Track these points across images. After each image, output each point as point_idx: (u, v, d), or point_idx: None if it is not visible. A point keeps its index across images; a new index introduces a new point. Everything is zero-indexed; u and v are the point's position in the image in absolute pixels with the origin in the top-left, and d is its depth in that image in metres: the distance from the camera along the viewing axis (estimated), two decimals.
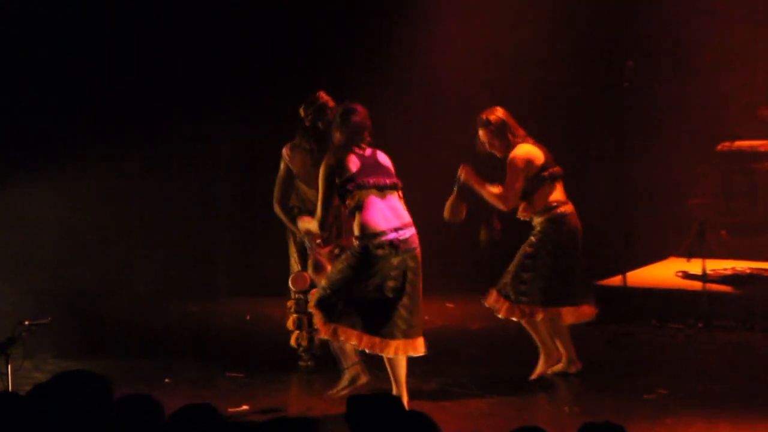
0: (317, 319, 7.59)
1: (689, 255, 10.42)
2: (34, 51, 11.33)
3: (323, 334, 7.59)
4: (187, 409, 4.35)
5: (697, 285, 9.85)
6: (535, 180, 8.25)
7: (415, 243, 7.56)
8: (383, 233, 7.45)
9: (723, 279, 10.18)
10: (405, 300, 7.51)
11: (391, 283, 7.49)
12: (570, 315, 8.33)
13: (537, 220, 8.31)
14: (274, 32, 12.00)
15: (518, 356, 8.89)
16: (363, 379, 7.73)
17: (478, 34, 11.96)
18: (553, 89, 12.00)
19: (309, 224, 7.97)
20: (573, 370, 8.49)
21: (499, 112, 8.32)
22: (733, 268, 10.49)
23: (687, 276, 10.30)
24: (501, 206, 8.24)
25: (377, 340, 7.50)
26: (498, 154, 8.35)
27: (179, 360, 9.09)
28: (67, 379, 4.54)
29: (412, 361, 7.84)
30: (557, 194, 8.29)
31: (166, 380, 8.49)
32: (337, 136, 7.64)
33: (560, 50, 11.86)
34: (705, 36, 11.36)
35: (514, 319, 8.34)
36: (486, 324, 10.09)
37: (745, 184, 10.02)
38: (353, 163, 7.53)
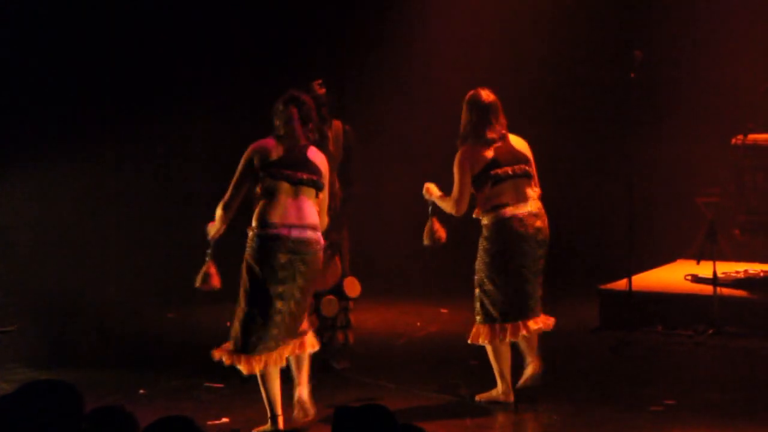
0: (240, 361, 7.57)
1: (699, 257, 10.44)
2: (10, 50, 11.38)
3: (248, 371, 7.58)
4: (162, 421, 4.35)
5: (707, 289, 9.86)
6: (479, 180, 8.12)
7: (312, 248, 7.52)
8: (274, 226, 7.47)
9: (735, 283, 10.20)
10: (293, 306, 7.50)
11: (279, 288, 7.46)
12: (532, 326, 8.17)
13: (483, 223, 8.20)
14: (257, 30, 12.02)
15: (513, 364, 8.89)
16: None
17: (479, 26, 12.00)
18: (556, 86, 12.05)
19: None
20: (531, 371, 8.30)
21: (485, 96, 8.20)
22: (746, 271, 10.51)
23: (696, 279, 10.32)
24: (452, 211, 8.14)
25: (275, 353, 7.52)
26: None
27: (155, 369, 9.10)
28: (35, 389, 4.52)
29: (403, 368, 7.85)
30: (506, 197, 8.12)
31: (141, 391, 8.50)
32: (276, 123, 7.66)
33: (564, 44, 11.90)
34: (716, 25, 11.40)
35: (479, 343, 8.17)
36: None
37: (759, 180, 10.04)
38: (276, 151, 7.57)
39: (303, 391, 7.67)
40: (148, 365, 9.24)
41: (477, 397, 8.26)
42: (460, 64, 11.80)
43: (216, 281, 7.87)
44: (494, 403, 8.14)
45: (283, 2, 12.23)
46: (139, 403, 7.86)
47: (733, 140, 10.11)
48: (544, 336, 8.96)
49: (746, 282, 10.27)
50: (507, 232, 8.06)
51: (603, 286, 10.29)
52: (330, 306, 8.95)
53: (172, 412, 4.55)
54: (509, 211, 8.08)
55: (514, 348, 8.21)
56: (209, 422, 7.69)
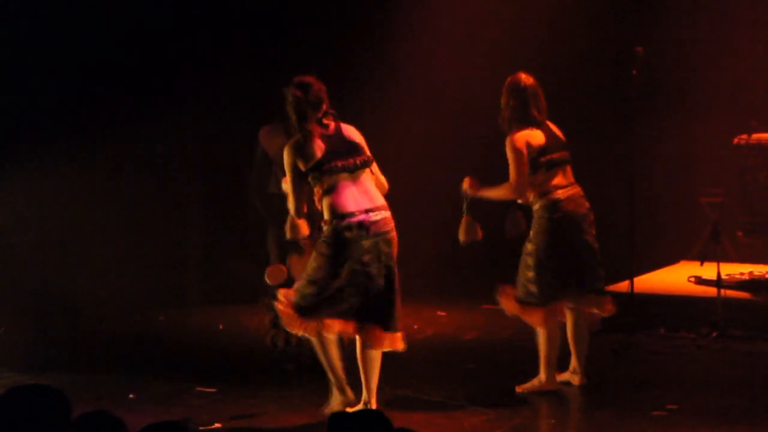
0: (293, 321, 7.66)
1: (702, 258, 10.43)
2: None
3: (306, 333, 7.67)
4: (153, 427, 4.35)
5: (711, 291, 9.87)
6: (533, 165, 8.34)
7: (389, 227, 7.71)
8: (352, 214, 7.60)
9: (739, 284, 10.21)
10: (387, 289, 7.64)
11: (370, 269, 7.60)
12: (591, 303, 8.44)
13: (534, 207, 8.42)
14: (251, 28, 12.02)
15: (513, 369, 8.91)
16: (350, 397, 7.79)
17: (478, 26, 12.00)
18: (557, 84, 12.03)
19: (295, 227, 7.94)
20: (576, 381, 8.53)
21: (524, 80, 8.41)
22: (750, 273, 10.52)
23: (700, 281, 10.33)
24: (515, 195, 8.36)
25: (362, 326, 7.63)
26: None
27: (145, 374, 9.09)
28: (21, 394, 4.52)
29: (400, 372, 7.83)
30: (557, 179, 8.39)
31: (131, 396, 8.49)
32: (293, 117, 7.72)
33: (565, 42, 11.90)
34: (717, 23, 11.40)
35: (526, 320, 8.44)
36: (479, 334, 10.12)
37: (763, 180, 10.05)
38: (318, 148, 7.64)
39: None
40: (138, 369, 9.24)
41: (518, 389, 8.43)
42: (459, 63, 11.80)
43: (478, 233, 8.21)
44: (536, 393, 8.36)
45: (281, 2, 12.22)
46: (128, 408, 7.86)
47: (736, 140, 10.11)
48: None
49: (750, 284, 10.27)
50: (564, 211, 8.34)
51: (605, 288, 10.29)
52: (277, 273, 8.83)
53: (162, 418, 4.54)
54: (562, 193, 8.38)
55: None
56: (201, 428, 7.68)
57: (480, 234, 8.42)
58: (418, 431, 4.45)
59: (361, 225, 7.61)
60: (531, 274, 8.36)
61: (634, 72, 9.90)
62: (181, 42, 11.89)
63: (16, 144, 11.37)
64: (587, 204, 8.52)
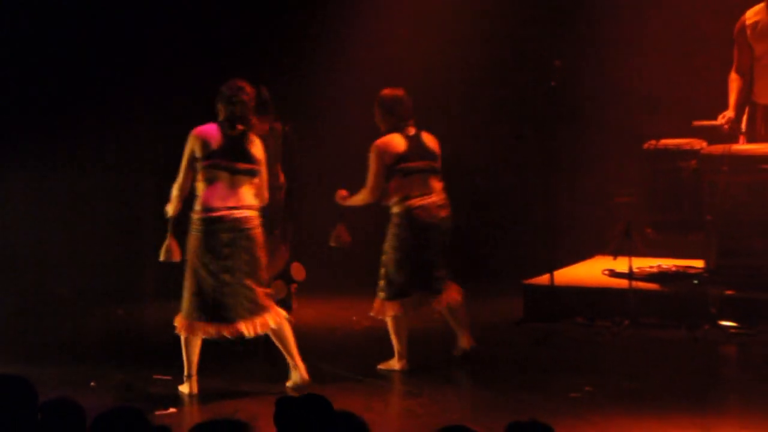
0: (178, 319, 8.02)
1: (615, 253, 10.50)
2: None
3: (181, 332, 8.01)
4: (112, 412, 4.33)
5: (623, 283, 9.93)
6: (390, 171, 8.44)
7: (251, 224, 7.84)
8: (216, 209, 7.78)
9: (649, 277, 10.28)
10: (246, 280, 7.79)
11: (226, 263, 7.78)
12: (437, 300, 8.62)
13: (391, 211, 8.56)
14: (198, 30, 11.95)
15: (444, 355, 8.93)
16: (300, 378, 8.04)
17: (402, 34, 11.97)
18: (479, 91, 12.06)
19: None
20: (466, 345, 8.80)
21: (391, 91, 8.59)
22: (659, 266, 10.59)
23: (613, 274, 10.39)
24: (370, 199, 8.51)
25: (224, 326, 7.87)
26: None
27: (105, 363, 9.03)
28: None
29: (340, 359, 7.81)
30: (414, 187, 8.47)
31: (92, 383, 8.43)
32: (221, 112, 7.94)
33: (487, 52, 11.92)
34: (631, 36, 11.46)
35: (381, 317, 8.63)
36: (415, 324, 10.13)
37: (670, 182, 10.12)
38: (216, 141, 7.82)
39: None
40: (99, 359, 9.17)
41: (379, 366, 8.61)
42: (395, 68, 11.72)
43: (178, 255, 8.10)
44: (393, 371, 8.58)
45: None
46: (89, 396, 7.80)
47: (646, 145, 10.18)
48: (471, 329, 9.03)
49: (659, 276, 10.35)
50: (415, 218, 8.45)
51: (527, 281, 10.34)
52: (278, 289, 9.01)
53: (120, 404, 4.52)
54: (416, 201, 8.45)
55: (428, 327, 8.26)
56: (157, 412, 7.64)
57: (349, 241, 8.69)
58: (358, 414, 4.46)
59: (222, 219, 7.78)
60: (383, 270, 8.53)
61: (552, 83, 9.95)
62: (137, 41, 11.75)
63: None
64: (443, 213, 8.57)
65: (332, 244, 8.75)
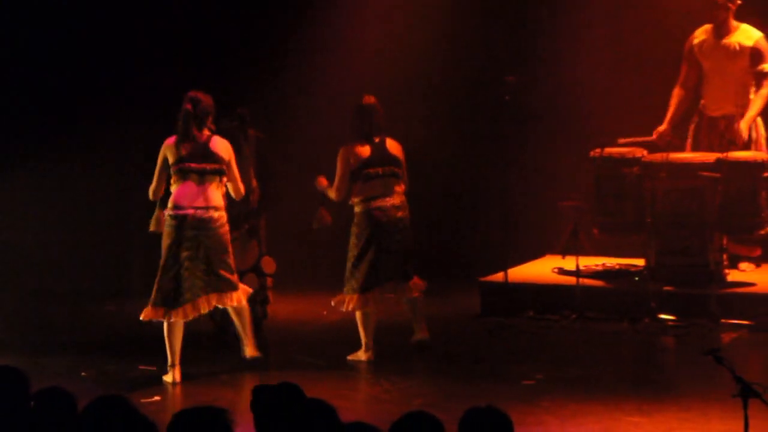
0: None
1: (564, 252, 10.55)
2: None
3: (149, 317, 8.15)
4: (100, 400, 4.31)
5: (571, 280, 9.97)
6: (354, 174, 8.53)
7: (215, 225, 8.03)
8: (183, 208, 7.96)
9: (595, 274, 10.32)
10: (200, 264, 7.98)
11: (185, 253, 7.96)
12: (401, 291, 8.65)
13: (354, 211, 8.64)
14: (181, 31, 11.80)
15: (408, 346, 8.94)
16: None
17: (362, 44, 11.89)
18: (435, 101, 12.02)
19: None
20: (421, 336, 8.83)
21: (365, 100, 8.61)
22: (603, 264, 10.63)
23: (562, 272, 10.42)
24: (335, 198, 8.61)
25: (188, 306, 8.03)
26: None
27: (95, 355, 8.99)
28: None
29: (311, 349, 7.79)
30: (375, 190, 8.52)
31: (83, 374, 8.39)
32: (179, 124, 8.11)
33: (443, 64, 11.91)
34: (577, 51, 11.48)
35: (343, 309, 8.65)
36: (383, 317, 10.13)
37: (614, 187, 10.15)
38: (184, 148, 8.02)
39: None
40: (89, 351, 9.13)
41: (348, 357, 8.63)
42: (365, 75, 11.63)
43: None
44: (360, 361, 8.58)
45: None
46: (80, 385, 7.75)
47: (592, 153, 10.23)
48: (432, 323, 9.04)
49: (604, 273, 10.40)
50: (372, 219, 8.52)
51: (483, 278, 10.36)
52: (250, 282, 8.97)
53: (108, 392, 4.50)
54: (376, 202, 8.53)
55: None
56: (143, 400, 7.61)
57: (330, 221, 8.73)
58: (327, 400, 4.46)
59: (186, 218, 7.95)
60: (348, 265, 8.60)
61: (507, 98, 9.99)
62: (137, 41, 11.64)
63: None
64: (400, 214, 8.60)
65: (315, 225, 8.79)
